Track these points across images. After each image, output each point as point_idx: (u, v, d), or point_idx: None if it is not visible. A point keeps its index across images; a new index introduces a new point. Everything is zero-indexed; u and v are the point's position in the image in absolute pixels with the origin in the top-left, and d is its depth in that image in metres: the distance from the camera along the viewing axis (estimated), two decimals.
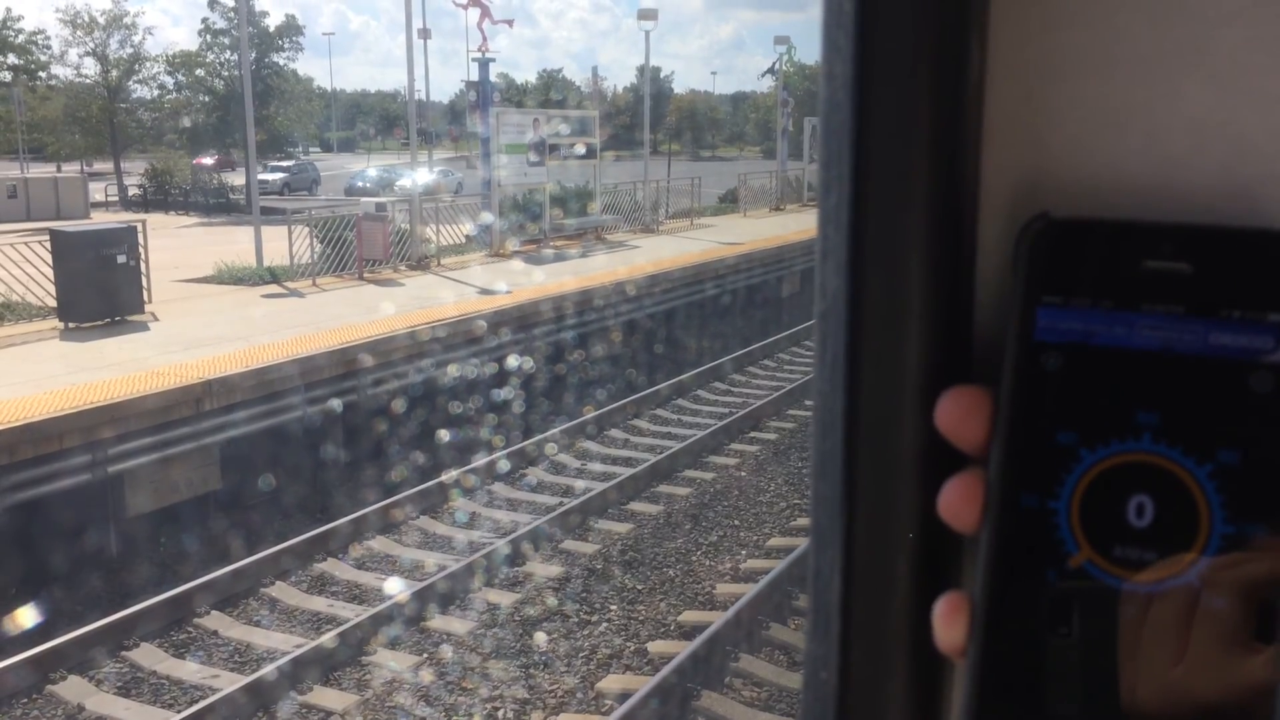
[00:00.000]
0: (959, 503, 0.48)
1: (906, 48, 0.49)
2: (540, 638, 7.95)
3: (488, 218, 20.31)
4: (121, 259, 13.28)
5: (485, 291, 15.61)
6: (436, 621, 8.14)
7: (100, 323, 13.15)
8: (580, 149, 22.38)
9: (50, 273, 13.42)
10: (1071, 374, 0.47)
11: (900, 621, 0.52)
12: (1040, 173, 0.50)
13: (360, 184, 46.54)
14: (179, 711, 6.79)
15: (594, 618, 8.29)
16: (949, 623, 0.48)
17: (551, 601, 8.53)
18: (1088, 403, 0.47)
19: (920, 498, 0.51)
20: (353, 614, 8.14)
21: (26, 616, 8.09)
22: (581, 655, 7.70)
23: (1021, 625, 0.47)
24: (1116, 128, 0.49)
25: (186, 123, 47.80)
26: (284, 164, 51.63)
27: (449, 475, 10.81)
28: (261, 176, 34.96)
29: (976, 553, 0.48)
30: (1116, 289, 0.46)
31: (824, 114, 0.51)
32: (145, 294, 14.14)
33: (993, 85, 0.50)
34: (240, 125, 32.12)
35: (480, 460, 11.24)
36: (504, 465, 11.29)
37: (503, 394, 12.71)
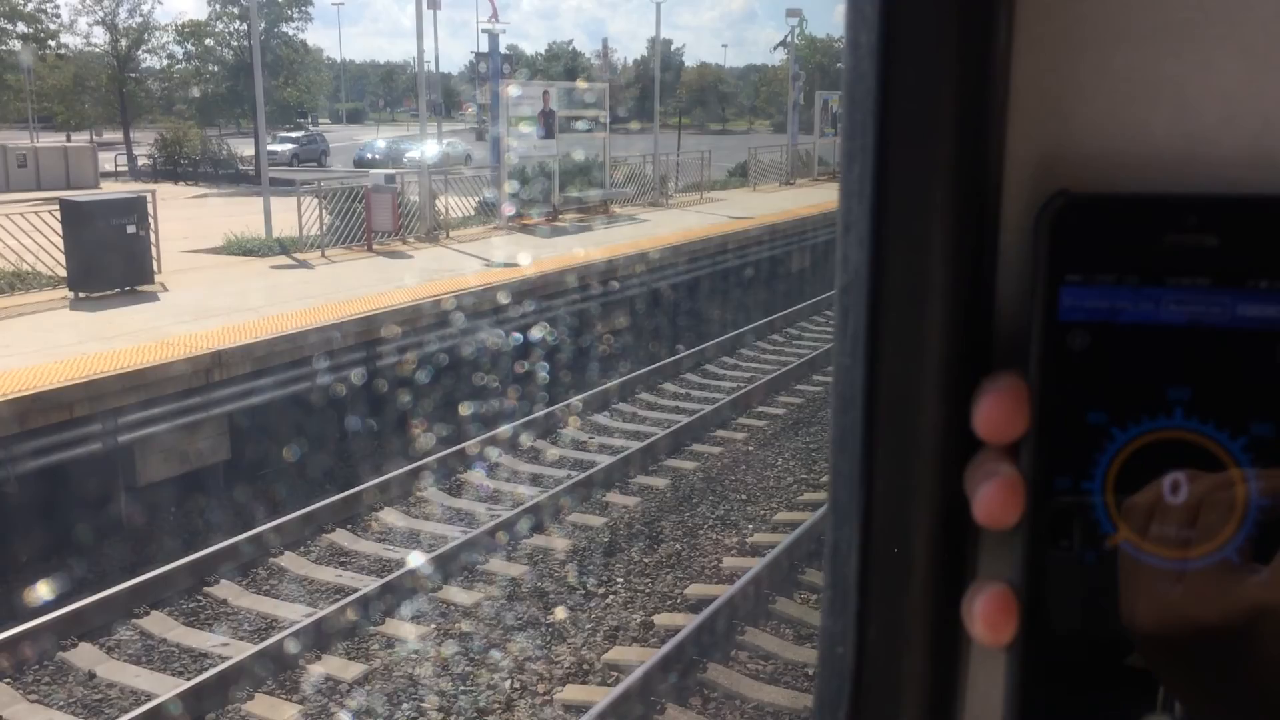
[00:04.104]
0: (999, 505, 0.47)
1: (933, 16, 0.48)
2: (547, 610, 8.00)
3: (497, 191, 20.24)
4: (131, 229, 13.28)
5: (493, 264, 15.59)
6: (444, 593, 8.20)
7: (110, 293, 13.17)
8: (591, 122, 22.26)
9: (60, 242, 13.43)
10: (1098, 353, 0.46)
11: (918, 598, 0.51)
12: (1067, 146, 0.50)
13: (369, 155, 46.48)
14: (189, 679, 6.86)
15: (601, 590, 8.34)
16: (995, 614, 0.48)
17: (559, 574, 8.57)
18: (1117, 381, 0.46)
19: (940, 474, 0.50)
20: (362, 584, 8.20)
21: (38, 583, 8.16)
22: (588, 627, 7.75)
23: (1063, 609, 0.46)
24: (1146, 100, 0.48)
25: (196, 93, 47.60)
26: (293, 135, 51.51)
27: (460, 447, 10.84)
28: (271, 147, 34.94)
29: (1010, 539, 0.48)
30: (1140, 264, 0.46)
31: (848, 84, 0.51)
32: (155, 264, 14.14)
33: (1019, 56, 0.49)
34: (249, 96, 32.03)
35: (490, 433, 11.26)
36: (513, 438, 11.32)
37: (512, 367, 12.73)
